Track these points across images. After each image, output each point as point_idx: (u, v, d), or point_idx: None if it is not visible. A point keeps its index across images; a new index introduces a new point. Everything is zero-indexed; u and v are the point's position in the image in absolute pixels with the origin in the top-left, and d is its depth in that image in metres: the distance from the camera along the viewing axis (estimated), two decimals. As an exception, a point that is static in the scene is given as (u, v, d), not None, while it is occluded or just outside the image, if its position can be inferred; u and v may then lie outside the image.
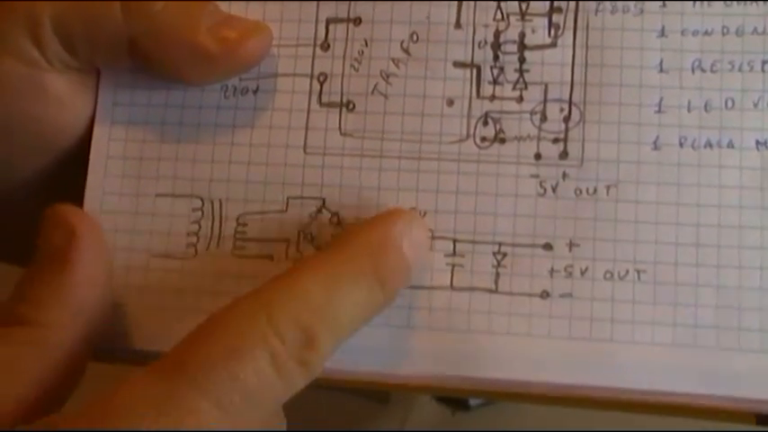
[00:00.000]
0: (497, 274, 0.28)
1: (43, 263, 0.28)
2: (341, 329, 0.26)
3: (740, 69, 0.29)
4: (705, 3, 0.29)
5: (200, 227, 0.30)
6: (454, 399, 0.55)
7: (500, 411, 0.55)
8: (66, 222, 0.28)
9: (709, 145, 0.28)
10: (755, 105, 0.29)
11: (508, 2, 0.30)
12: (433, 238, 0.29)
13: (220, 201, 0.30)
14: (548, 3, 0.30)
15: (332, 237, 0.29)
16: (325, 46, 0.31)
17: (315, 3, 0.31)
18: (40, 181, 0.31)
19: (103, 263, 0.28)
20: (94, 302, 0.27)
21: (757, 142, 0.28)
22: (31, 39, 0.29)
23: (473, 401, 0.55)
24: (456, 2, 0.30)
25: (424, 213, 0.29)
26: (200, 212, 0.30)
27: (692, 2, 0.29)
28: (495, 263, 0.28)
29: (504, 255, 0.29)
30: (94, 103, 0.31)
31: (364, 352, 0.28)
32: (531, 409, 0.54)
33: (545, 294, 0.28)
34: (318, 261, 0.26)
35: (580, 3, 0.30)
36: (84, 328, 0.27)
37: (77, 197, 0.31)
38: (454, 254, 0.29)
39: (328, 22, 0.31)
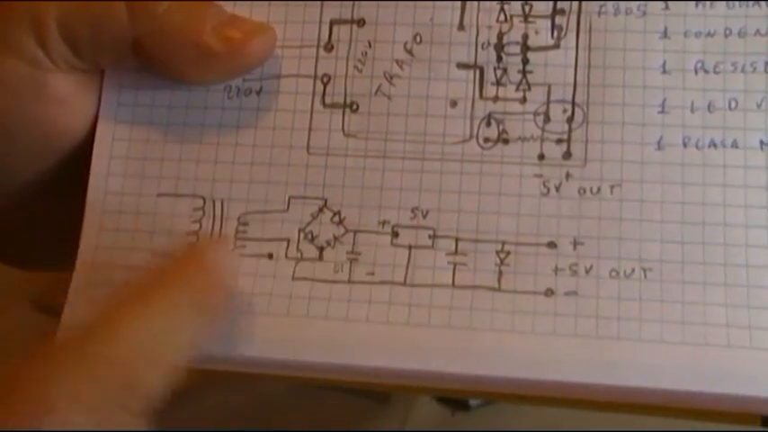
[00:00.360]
0: (500, 273, 0.28)
1: None
2: (166, 363, 0.24)
3: (743, 70, 0.29)
4: (707, 4, 0.29)
5: (200, 226, 0.30)
6: (454, 399, 0.54)
7: (500, 411, 0.55)
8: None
9: (713, 145, 0.28)
10: (758, 106, 0.28)
11: (511, 3, 0.30)
12: (435, 237, 0.29)
13: (222, 200, 0.30)
14: (551, 5, 0.30)
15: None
16: (329, 47, 0.30)
17: (319, 4, 0.31)
18: (43, 182, 0.31)
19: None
20: None
21: (761, 142, 0.28)
22: (35, 39, 0.29)
23: (473, 402, 0.55)
24: (459, 3, 0.30)
25: (427, 212, 0.29)
26: (201, 212, 0.30)
27: (694, 3, 0.29)
28: (498, 261, 0.28)
29: (508, 253, 0.28)
30: (98, 103, 0.31)
31: (366, 348, 0.28)
32: (530, 409, 0.53)
33: (549, 292, 0.28)
34: (132, 300, 0.25)
35: (583, 5, 0.30)
36: None
37: (80, 198, 0.30)
38: (456, 252, 0.29)
39: (332, 23, 0.31)
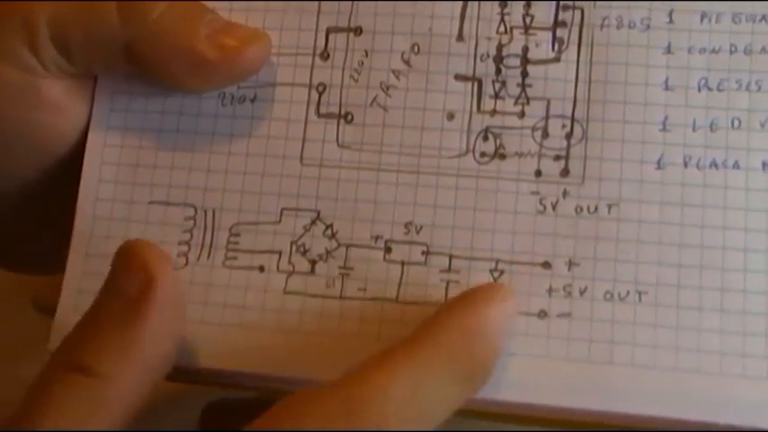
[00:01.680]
0: None
1: (112, 309, 0.24)
2: (423, 426, 0.23)
3: (747, 89, 0.27)
4: (713, 19, 0.28)
5: (191, 236, 0.29)
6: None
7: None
8: (143, 267, 0.24)
9: (714, 165, 0.27)
10: (762, 126, 0.27)
11: (512, 15, 0.29)
12: (429, 253, 0.28)
13: (214, 210, 0.29)
14: (552, 16, 0.28)
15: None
16: (325, 55, 0.29)
17: (315, 12, 0.29)
18: (36, 187, 0.30)
19: (179, 317, 0.25)
20: (163, 359, 0.25)
21: (764, 163, 0.27)
22: (27, 45, 0.28)
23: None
24: (459, 14, 0.29)
25: (420, 228, 0.28)
26: (192, 221, 0.29)
27: (699, 18, 0.28)
28: (492, 280, 0.27)
29: (502, 272, 0.27)
30: (91, 108, 0.30)
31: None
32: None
33: (543, 314, 0.27)
34: (406, 351, 0.24)
35: (585, 17, 0.28)
36: (147, 385, 0.24)
37: (72, 203, 0.29)
38: (449, 270, 0.27)
39: (329, 31, 0.29)
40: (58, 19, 0.28)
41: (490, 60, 0.28)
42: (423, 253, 0.28)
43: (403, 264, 0.28)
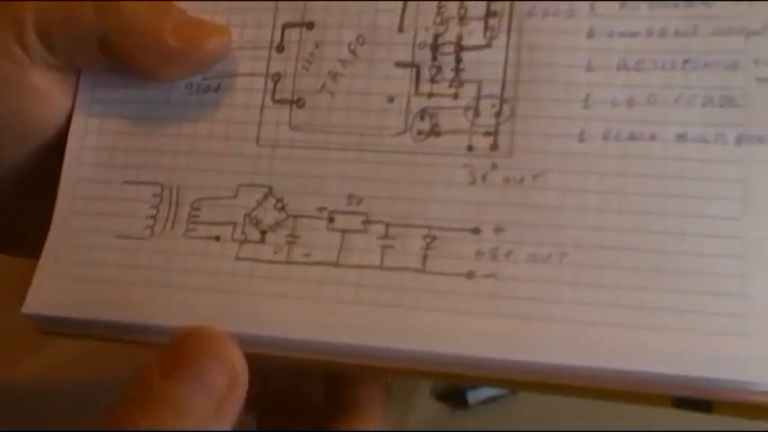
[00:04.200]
0: (425, 256, 0.28)
1: (198, 402, 0.25)
2: None
3: (663, 68, 0.28)
4: (631, 5, 0.29)
5: (158, 210, 0.30)
6: (453, 396, 0.54)
7: (500, 410, 0.54)
8: (232, 367, 0.25)
9: (632, 137, 0.28)
10: (676, 101, 0.28)
11: (448, 6, 0.30)
12: (368, 222, 0.29)
13: (178, 187, 0.30)
14: (485, 7, 0.30)
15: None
16: (281, 48, 0.31)
17: (273, 10, 0.31)
18: (23, 170, 0.32)
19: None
20: None
21: (677, 135, 0.28)
22: (15, 40, 0.30)
23: (472, 400, 0.54)
24: (400, 7, 0.30)
25: (361, 199, 0.29)
26: (159, 198, 0.30)
27: (619, 5, 0.29)
28: (424, 245, 0.28)
29: (434, 238, 0.28)
30: (74, 98, 0.32)
31: (298, 323, 0.28)
32: (531, 408, 0.52)
33: (471, 275, 0.28)
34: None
35: (515, 7, 0.29)
36: None
37: (55, 185, 0.31)
38: (386, 236, 0.29)
39: (284, 27, 0.31)
40: (42, 16, 0.30)
41: (427, 48, 0.30)
42: (362, 222, 0.29)
43: (343, 232, 0.29)
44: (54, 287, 0.30)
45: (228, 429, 0.25)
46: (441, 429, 0.56)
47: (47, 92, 0.31)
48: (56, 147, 0.32)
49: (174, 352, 0.26)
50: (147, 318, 0.29)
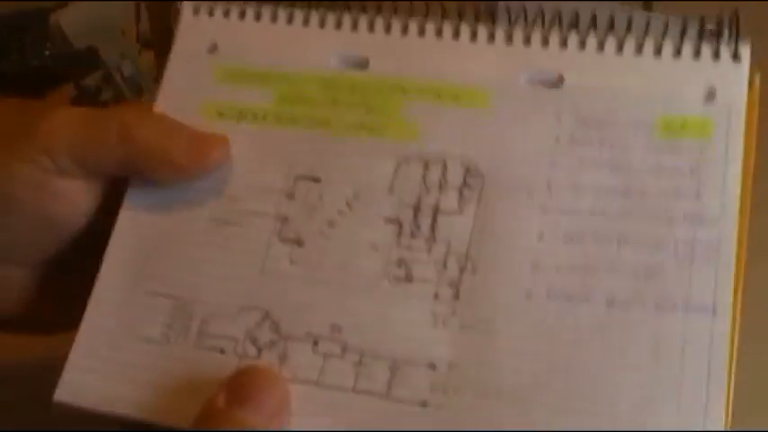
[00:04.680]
0: (390, 383, 0.33)
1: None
2: None
3: (600, 242, 0.34)
4: (581, 191, 0.35)
5: (173, 320, 0.36)
6: None
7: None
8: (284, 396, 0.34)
9: (569, 298, 0.33)
10: (608, 270, 0.34)
11: (431, 176, 0.36)
12: (345, 349, 0.34)
13: (192, 302, 0.36)
14: (462, 178, 0.36)
15: None
16: (291, 195, 0.37)
17: (288, 163, 0.38)
18: (52, 259, 0.38)
19: None
20: None
21: (607, 300, 0.33)
22: (45, 151, 0.36)
23: None
24: (392, 173, 0.37)
25: (341, 329, 0.35)
26: (175, 309, 0.36)
27: (570, 186, 0.35)
28: (389, 374, 0.34)
29: (398, 369, 0.34)
30: (97, 201, 0.38)
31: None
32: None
33: (424, 403, 0.33)
34: None
35: (486, 183, 0.36)
36: None
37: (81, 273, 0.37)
38: (360, 363, 0.34)
39: (296, 178, 0.37)
40: (71, 131, 0.36)
41: (411, 209, 0.36)
42: (341, 349, 0.34)
43: (325, 355, 0.34)
44: (83, 380, 0.35)
45: None
46: None
47: (71, 196, 0.37)
48: (79, 242, 0.38)
49: (236, 384, 0.33)
50: (163, 418, 0.34)
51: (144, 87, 0.64)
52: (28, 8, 1.04)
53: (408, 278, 0.35)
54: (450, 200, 0.36)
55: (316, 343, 0.35)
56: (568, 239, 0.34)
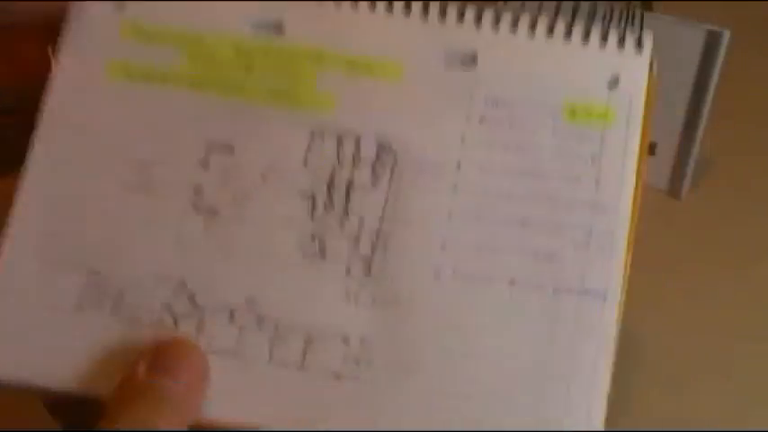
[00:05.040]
0: (304, 354, 0.35)
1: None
2: None
3: (506, 224, 0.36)
4: (488, 167, 0.37)
5: (87, 289, 0.36)
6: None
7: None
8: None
9: (471, 278, 0.36)
10: (512, 252, 0.36)
11: (345, 151, 0.37)
12: (261, 320, 0.36)
13: (108, 272, 0.36)
14: (375, 154, 0.37)
15: None
16: (206, 164, 0.37)
17: (201, 130, 0.37)
18: None
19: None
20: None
21: (509, 280, 0.36)
22: None
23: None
24: (306, 145, 0.37)
25: (256, 301, 0.36)
26: (89, 279, 0.36)
27: (478, 167, 0.37)
28: (304, 346, 0.35)
29: (312, 341, 0.35)
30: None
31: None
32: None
33: (338, 375, 0.35)
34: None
35: (398, 160, 0.37)
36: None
37: None
38: (275, 336, 0.35)
39: (210, 147, 0.37)
40: None
41: (324, 184, 0.37)
42: (256, 320, 0.36)
43: (241, 327, 0.36)
44: None
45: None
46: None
47: None
48: None
49: (156, 354, 0.34)
50: (81, 389, 0.35)
51: None
52: None
53: (322, 254, 0.36)
54: (363, 175, 0.37)
55: (232, 314, 0.36)
56: (476, 219, 0.36)
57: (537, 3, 0.36)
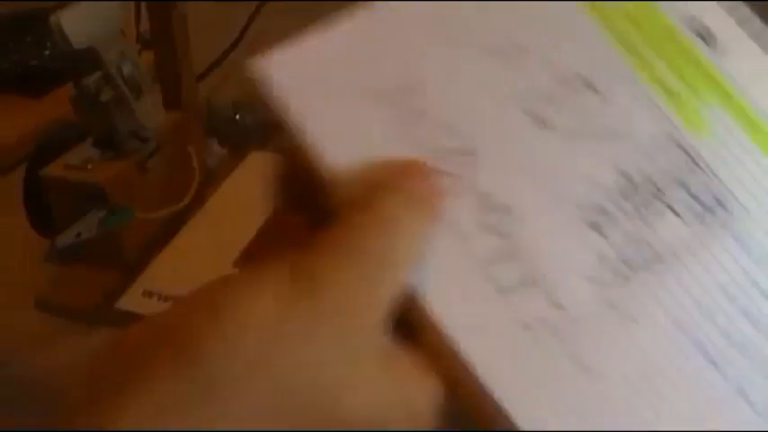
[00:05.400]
0: None
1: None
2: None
3: None
4: None
5: None
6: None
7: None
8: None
9: None
10: None
11: (692, 180, 0.33)
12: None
13: None
14: (711, 204, 0.32)
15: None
16: None
17: None
18: None
19: None
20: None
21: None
22: None
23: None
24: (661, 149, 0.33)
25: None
26: None
27: None
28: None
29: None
30: None
31: None
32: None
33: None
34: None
35: (726, 224, 0.32)
36: None
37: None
38: None
39: None
40: None
41: (651, 191, 0.32)
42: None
43: None
44: None
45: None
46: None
47: None
48: None
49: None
50: None
51: (144, 87, 0.65)
52: (28, 8, 1.02)
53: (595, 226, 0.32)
54: (688, 209, 0.33)
55: None
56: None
57: None
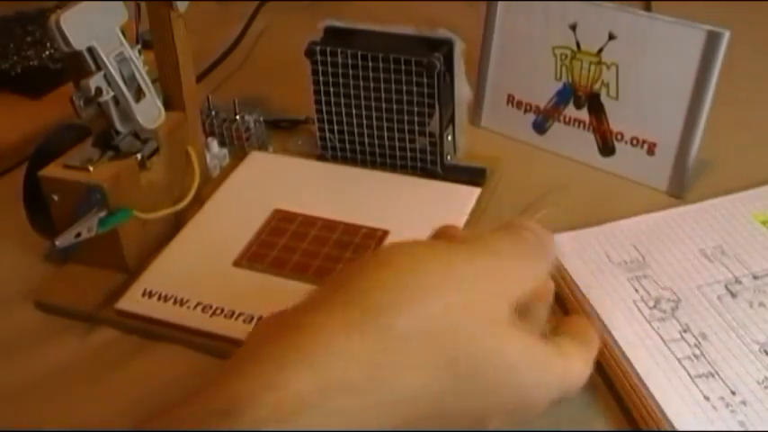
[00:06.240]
0: None
1: None
2: None
3: None
4: None
5: None
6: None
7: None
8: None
9: None
10: None
11: None
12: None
13: None
14: None
15: None
16: None
17: None
18: None
19: None
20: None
21: None
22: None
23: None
24: None
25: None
26: None
27: None
28: None
29: None
30: None
31: None
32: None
33: None
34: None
35: None
36: None
37: None
38: None
39: None
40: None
41: None
42: None
43: None
44: None
45: None
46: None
47: None
48: None
49: None
50: None
51: (144, 87, 0.64)
52: (28, 8, 1.02)
53: None
54: None
55: None
56: None
57: None
